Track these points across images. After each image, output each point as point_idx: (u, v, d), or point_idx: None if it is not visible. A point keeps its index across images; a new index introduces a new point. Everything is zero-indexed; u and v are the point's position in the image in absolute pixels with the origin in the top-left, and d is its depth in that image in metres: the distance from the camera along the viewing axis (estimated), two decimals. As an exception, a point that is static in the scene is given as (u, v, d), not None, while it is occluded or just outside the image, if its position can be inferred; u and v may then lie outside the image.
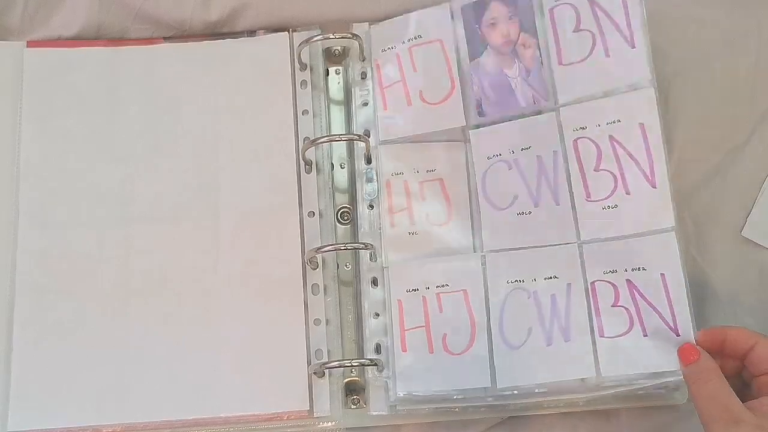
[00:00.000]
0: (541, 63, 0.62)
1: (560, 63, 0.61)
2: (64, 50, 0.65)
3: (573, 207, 0.59)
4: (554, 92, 0.61)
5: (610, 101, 0.60)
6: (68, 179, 0.62)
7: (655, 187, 0.58)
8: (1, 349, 0.59)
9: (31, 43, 0.65)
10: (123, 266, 0.61)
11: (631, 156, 0.59)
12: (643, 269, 0.57)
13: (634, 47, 0.60)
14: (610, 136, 0.59)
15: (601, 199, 0.59)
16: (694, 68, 0.65)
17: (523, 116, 0.61)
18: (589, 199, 0.59)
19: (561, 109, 0.61)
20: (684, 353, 0.54)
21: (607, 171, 0.59)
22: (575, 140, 0.60)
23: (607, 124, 0.60)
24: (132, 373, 0.59)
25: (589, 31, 0.61)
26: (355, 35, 0.64)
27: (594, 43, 0.61)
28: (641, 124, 0.59)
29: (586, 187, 0.59)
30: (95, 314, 0.60)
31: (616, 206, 0.58)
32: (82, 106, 0.64)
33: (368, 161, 0.63)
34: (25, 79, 0.64)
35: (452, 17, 0.64)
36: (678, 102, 0.65)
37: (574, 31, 0.61)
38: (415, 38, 0.64)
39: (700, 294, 0.61)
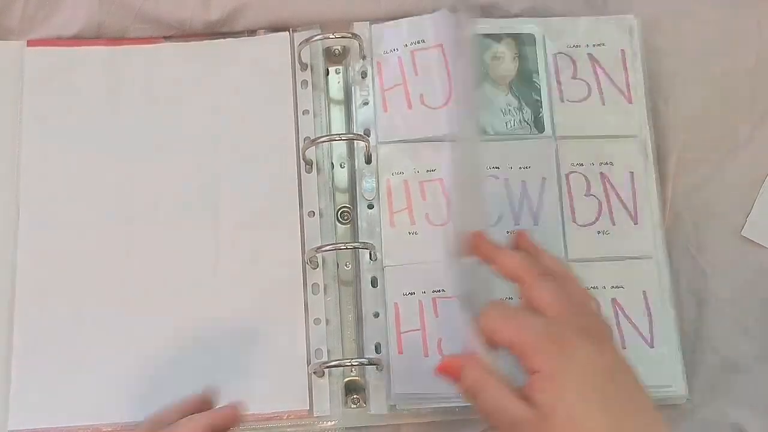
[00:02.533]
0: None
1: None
2: (64, 49, 0.65)
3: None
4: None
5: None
6: (68, 179, 0.62)
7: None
8: (1, 349, 0.59)
9: (31, 43, 0.65)
10: (123, 266, 0.61)
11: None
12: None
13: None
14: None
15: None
16: (694, 68, 0.65)
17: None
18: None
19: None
20: (446, 371, 0.47)
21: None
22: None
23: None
24: (132, 373, 0.59)
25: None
26: (355, 35, 0.64)
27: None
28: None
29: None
30: (95, 314, 0.60)
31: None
32: (82, 106, 0.64)
33: (368, 161, 0.63)
34: (25, 79, 0.64)
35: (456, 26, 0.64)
36: (678, 102, 0.65)
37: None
38: (418, 42, 0.64)
39: (700, 294, 0.62)
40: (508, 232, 0.61)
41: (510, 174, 0.63)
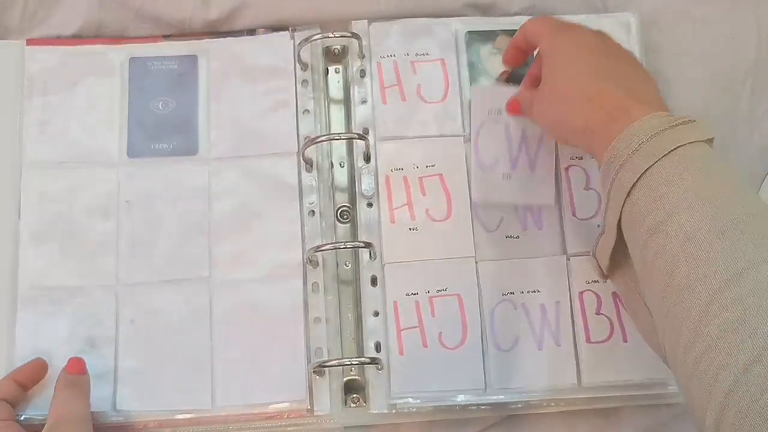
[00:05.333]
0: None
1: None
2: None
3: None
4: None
5: None
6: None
7: None
8: (1, 348, 0.59)
9: (30, 42, 0.65)
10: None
11: None
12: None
13: None
14: None
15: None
16: (694, 68, 0.65)
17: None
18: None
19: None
20: (512, 107, 0.62)
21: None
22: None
23: None
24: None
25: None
26: (354, 34, 0.64)
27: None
28: None
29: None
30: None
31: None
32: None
33: (367, 159, 0.63)
34: (25, 78, 0.64)
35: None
36: (677, 101, 0.65)
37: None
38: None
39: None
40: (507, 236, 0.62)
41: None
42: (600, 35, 0.54)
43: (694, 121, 0.47)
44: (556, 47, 0.54)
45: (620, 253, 0.51)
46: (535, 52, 0.58)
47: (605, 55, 0.53)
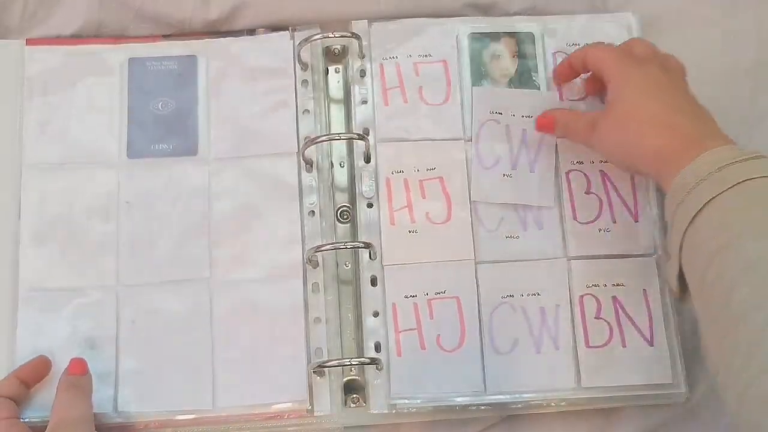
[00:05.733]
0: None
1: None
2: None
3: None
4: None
5: None
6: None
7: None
8: (2, 350, 0.59)
9: (30, 42, 0.65)
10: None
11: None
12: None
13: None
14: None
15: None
16: (694, 68, 0.65)
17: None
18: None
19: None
20: (543, 124, 0.62)
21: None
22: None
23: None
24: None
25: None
26: (354, 34, 0.64)
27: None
28: None
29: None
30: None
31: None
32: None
33: (367, 160, 0.63)
34: (25, 78, 0.64)
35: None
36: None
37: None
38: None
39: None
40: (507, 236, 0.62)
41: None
42: (666, 72, 0.56)
43: (765, 157, 0.49)
44: (629, 78, 0.55)
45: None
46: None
47: (674, 89, 0.55)
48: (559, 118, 0.61)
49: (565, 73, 0.63)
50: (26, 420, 0.56)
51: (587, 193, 0.63)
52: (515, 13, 0.67)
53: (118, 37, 0.66)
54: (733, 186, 0.47)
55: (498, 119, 0.63)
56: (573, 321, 0.60)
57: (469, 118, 0.64)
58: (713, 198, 0.48)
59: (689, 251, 0.49)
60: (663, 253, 0.61)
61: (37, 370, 0.57)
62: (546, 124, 0.62)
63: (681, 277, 0.52)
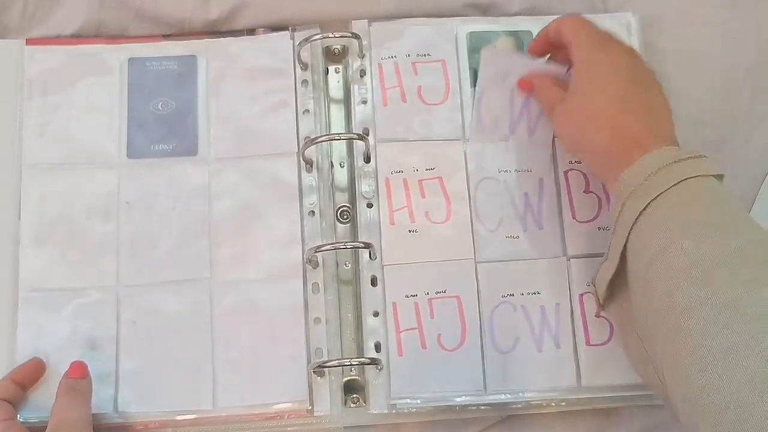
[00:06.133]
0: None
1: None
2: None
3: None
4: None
5: None
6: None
7: None
8: (2, 350, 0.59)
9: (30, 41, 0.65)
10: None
11: None
12: None
13: None
14: None
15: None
16: (694, 68, 0.65)
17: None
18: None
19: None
20: (523, 86, 0.62)
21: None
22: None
23: None
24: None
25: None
26: (354, 34, 0.64)
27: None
28: None
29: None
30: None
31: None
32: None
33: (367, 160, 0.63)
34: (25, 78, 0.64)
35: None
36: (678, 101, 0.65)
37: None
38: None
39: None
40: (507, 236, 0.62)
41: (508, 177, 0.63)
42: (633, 56, 0.56)
43: (704, 156, 0.49)
44: (591, 66, 0.55)
45: (618, 284, 0.53)
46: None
47: (634, 83, 0.54)
48: (536, 84, 0.61)
49: (539, 48, 0.62)
50: (24, 421, 0.56)
51: (586, 192, 0.63)
52: (515, 14, 0.67)
53: (118, 37, 0.66)
54: (673, 186, 0.48)
55: (503, 84, 0.64)
56: (573, 320, 0.60)
57: (469, 118, 0.64)
58: (654, 199, 0.48)
59: (633, 256, 0.50)
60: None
61: (31, 372, 0.57)
62: (524, 87, 0.62)
63: (611, 282, 0.52)
